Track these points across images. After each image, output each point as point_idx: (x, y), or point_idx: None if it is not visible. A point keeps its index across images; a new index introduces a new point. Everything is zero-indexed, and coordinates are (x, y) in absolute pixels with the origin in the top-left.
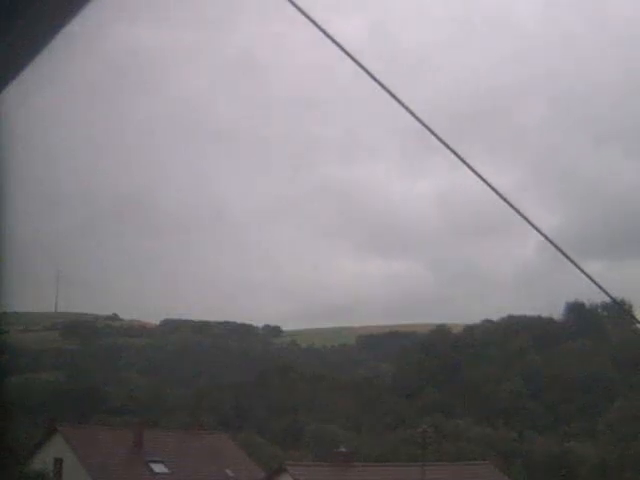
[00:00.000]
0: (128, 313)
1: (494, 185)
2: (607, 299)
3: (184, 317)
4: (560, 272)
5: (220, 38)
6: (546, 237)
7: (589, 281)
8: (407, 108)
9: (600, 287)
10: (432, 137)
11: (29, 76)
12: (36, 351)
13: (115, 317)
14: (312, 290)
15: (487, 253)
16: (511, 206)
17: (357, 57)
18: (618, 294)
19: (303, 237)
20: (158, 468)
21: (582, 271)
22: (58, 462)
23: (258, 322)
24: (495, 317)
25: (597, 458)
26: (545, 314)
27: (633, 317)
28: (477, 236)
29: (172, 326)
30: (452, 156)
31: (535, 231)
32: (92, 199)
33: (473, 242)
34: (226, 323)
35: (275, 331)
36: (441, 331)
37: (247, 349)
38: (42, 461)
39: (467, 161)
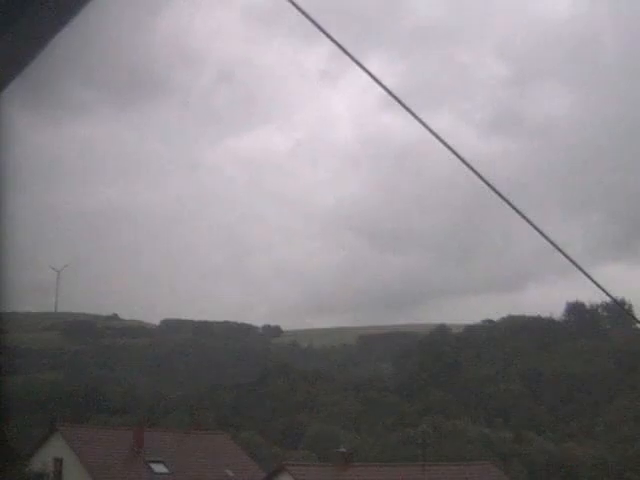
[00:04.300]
0: (128, 313)
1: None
2: (607, 299)
3: (184, 317)
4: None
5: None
6: (546, 237)
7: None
8: (404, 105)
9: (600, 287)
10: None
11: (29, 76)
12: (36, 351)
13: (115, 317)
14: None
15: None
16: (511, 206)
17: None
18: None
19: None
20: (158, 468)
21: (583, 271)
22: (58, 462)
23: (258, 322)
24: (495, 317)
25: (596, 458)
26: (545, 314)
27: (633, 317)
28: None
29: (172, 326)
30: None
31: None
32: (91, 198)
33: None
34: (226, 323)
35: (275, 331)
36: (441, 331)
37: (247, 349)
38: (42, 461)
39: (467, 161)
